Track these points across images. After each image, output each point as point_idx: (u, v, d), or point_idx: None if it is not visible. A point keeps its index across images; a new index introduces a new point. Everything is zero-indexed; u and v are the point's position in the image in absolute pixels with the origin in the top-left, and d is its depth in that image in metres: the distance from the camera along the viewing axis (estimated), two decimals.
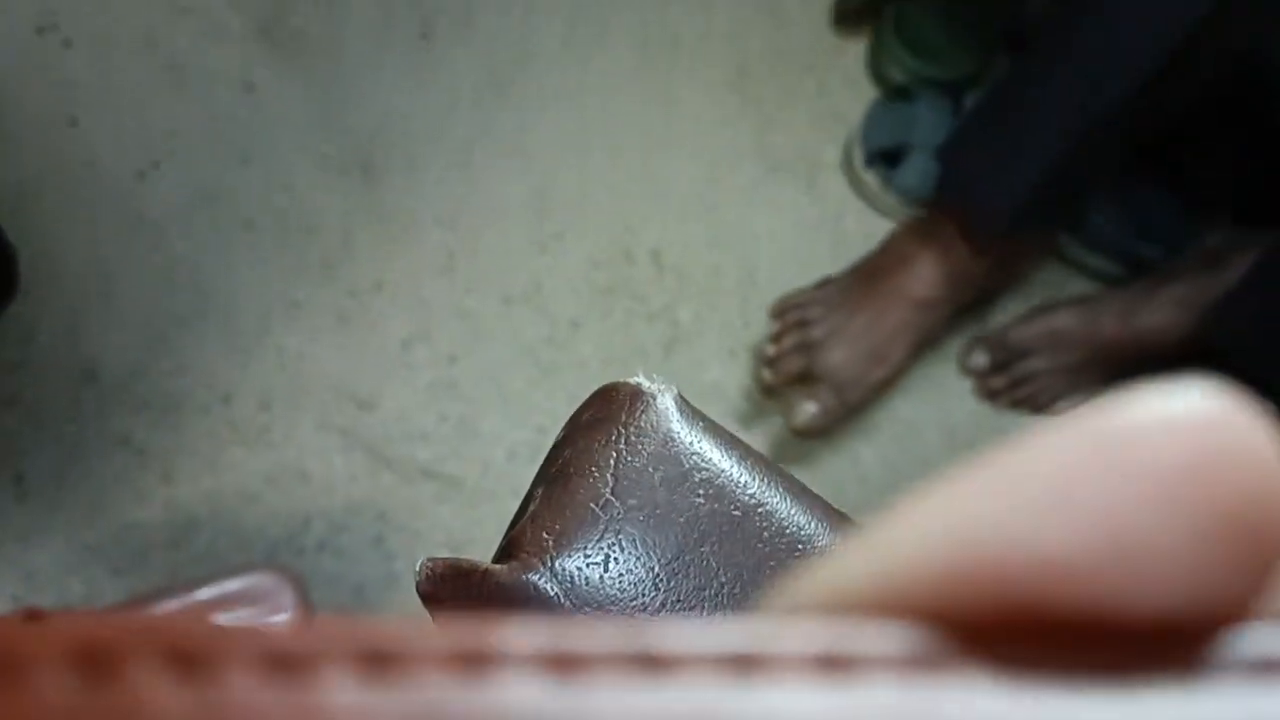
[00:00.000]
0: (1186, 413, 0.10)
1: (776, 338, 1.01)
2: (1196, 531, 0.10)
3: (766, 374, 1.02)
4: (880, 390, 1.04)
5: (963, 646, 0.10)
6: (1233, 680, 0.10)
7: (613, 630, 0.10)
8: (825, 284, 1.04)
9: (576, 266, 1.07)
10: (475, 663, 0.09)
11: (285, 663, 0.09)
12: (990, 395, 1.10)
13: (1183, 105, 0.87)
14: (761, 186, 1.13)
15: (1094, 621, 0.10)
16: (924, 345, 1.04)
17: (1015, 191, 0.90)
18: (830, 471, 1.07)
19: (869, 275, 1.01)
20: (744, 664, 0.10)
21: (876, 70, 1.18)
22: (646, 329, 1.06)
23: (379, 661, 0.09)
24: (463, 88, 1.10)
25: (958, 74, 1.15)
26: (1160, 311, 1.02)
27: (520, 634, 0.09)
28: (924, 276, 0.98)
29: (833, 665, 0.10)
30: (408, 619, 0.10)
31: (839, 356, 0.99)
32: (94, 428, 0.95)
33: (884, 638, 0.10)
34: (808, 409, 0.99)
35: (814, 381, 1.00)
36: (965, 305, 1.05)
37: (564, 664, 0.09)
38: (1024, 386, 1.08)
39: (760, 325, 1.09)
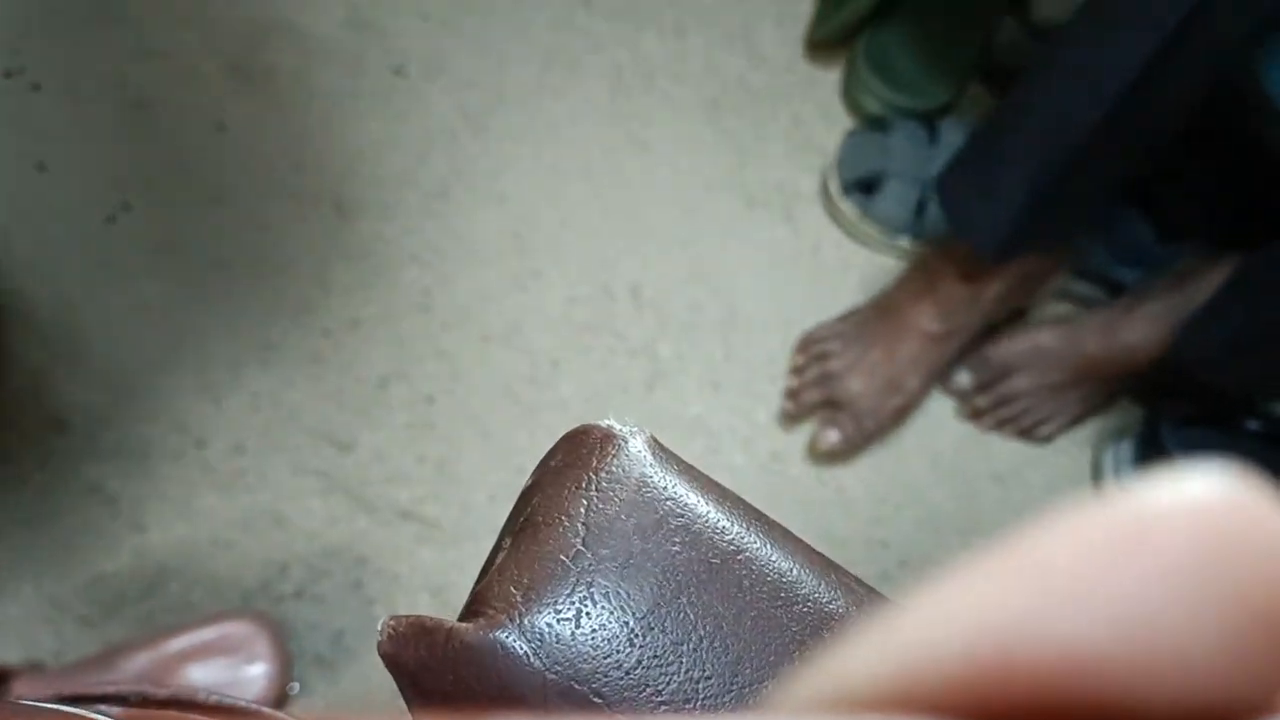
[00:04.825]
0: (1202, 499, 0.10)
1: (799, 370, 1.06)
2: (1218, 620, 0.09)
3: (789, 405, 1.06)
4: (897, 418, 1.07)
5: None
6: None
7: None
8: (845, 317, 1.08)
9: (555, 304, 1.06)
10: None
11: None
12: (974, 415, 1.10)
13: (1159, 129, 0.87)
14: (739, 218, 1.13)
15: (1117, 716, 0.09)
16: (938, 374, 1.08)
17: (1005, 218, 0.92)
18: (817, 503, 1.06)
19: (884, 310, 1.05)
20: None
21: (851, 101, 1.18)
22: (627, 365, 1.05)
23: None
24: (437, 125, 1.09)
25: (932, 103, 1.15)
26: (1139, 329, 1.04)
27: None
28: (932, 311, 1.02)
29: None
30: None
31: (857, 387, 1.04)
32: (64, 476, 0.93)
33: None
34: (830, 436, 1.04)
35: (835, 410, 1.04)
36: (979, 332, 1.06)
37: None
38: (1008, 406, 1.09)
39: (741, 358, 1.08)
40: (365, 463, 0.98)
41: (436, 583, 0.96)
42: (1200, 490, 0.10)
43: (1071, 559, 0.10)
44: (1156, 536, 0.10)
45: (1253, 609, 0.10)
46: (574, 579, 0.26)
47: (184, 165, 1.03)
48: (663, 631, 0.26)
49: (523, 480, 0.33)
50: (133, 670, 0.80)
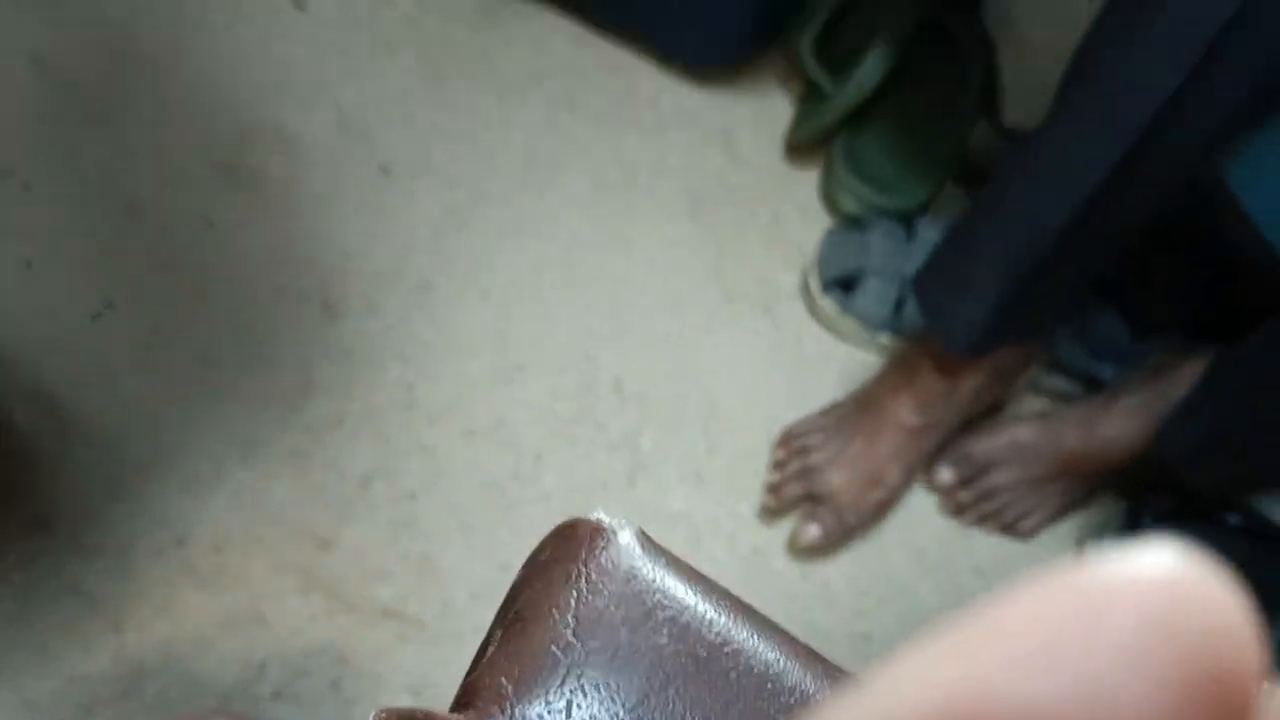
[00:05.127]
0: (1155, 571, 0.11)
1: (780, 464, 1.06)
2: (1172, 685, 0.10)
3: (770, 499, 1.06)
4: (878, 513, 1.07)
5: None
6: None
7: None
8: (826, 412, 1.08)
9: (538, 397, 1.06)
10: None
11: None
12: (957, 510, 1.10)
13: (1127, 228, 0.89)
14: (720, 313, 1.14)
15: None
16: (918, 468, 1.08)
17: (979, 314, 0.94)
18: (800, 597, 1.05)
19: (864, 403, 1.06)
20: None
21: (829, 200, 1.20)
22: (609, 459, 1.06)
23: None
24: (422, 222, 1.10)
25: (908, 203, 1.18)
26: (1117, 423, 1.05)
27: None
28: (911, 404, 1.03)
29: None
30: None
31: (838, 480, 1.04)
32: (44, 576, 0.92)
33: None
34: (811, 531, 1.04)
35: (816, 504, 1.04)
36: (957, 426, 1.07)
37: None
38: (990, 501, 1.09)
39: (723, 452, 1.08)
40: (346, 560, 0.97)
41: (417, 682, 0.94)
42: (1153, 563, 0.11)
43: (1037, 629, 0.11)
44: (1113, 606, 0.11)
45: (1203, 674, 0.10)
46: (564, 670, 0.26)
47: (171, 263, 1.04)
48: None
49: (505, 577, 0.33)
50: None
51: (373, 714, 0.27)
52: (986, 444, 1.09)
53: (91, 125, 1.07)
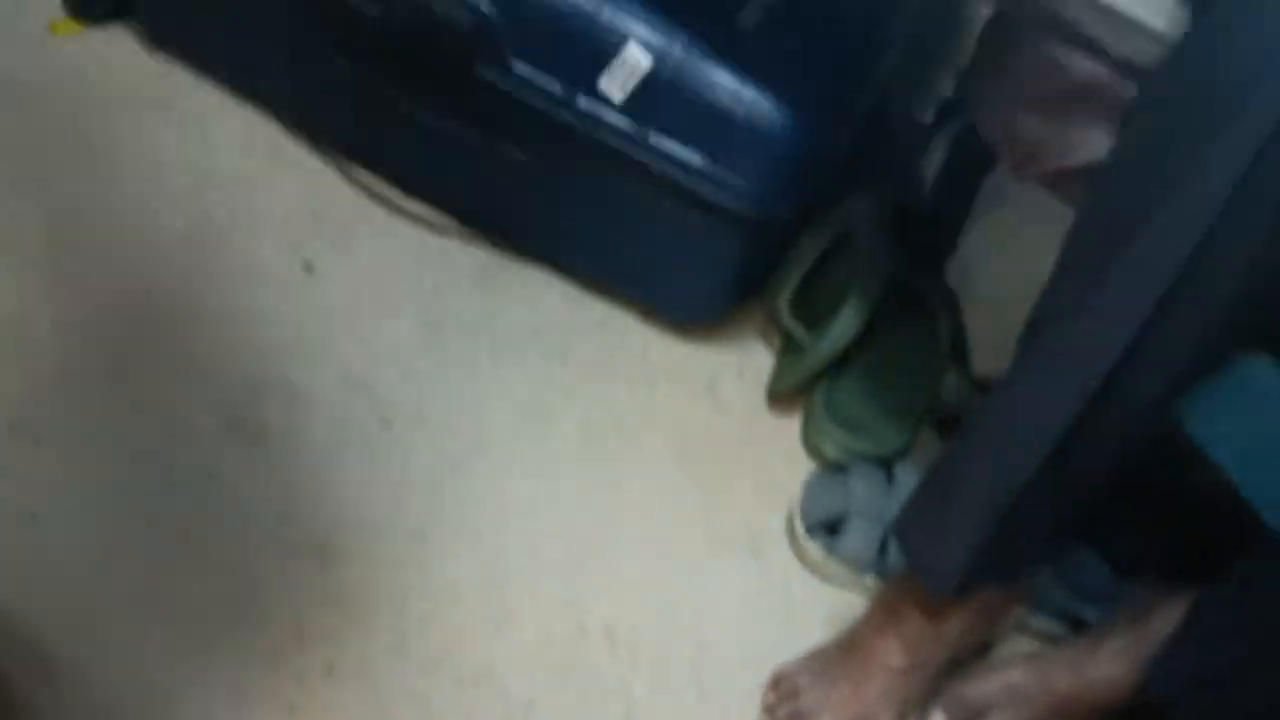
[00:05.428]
0: None
1: (770, 709, 1.06)
2: None
3: None
4: None
5: None
6: None
7: None
8: (814, 655, 1.09)
9: (529, 645, 1.07)
10: None
11: None
12: None
13: (1097, 476, 0.93)
14: (709, 558, 1.17)
15: None
16: (908, 710, 1.07)
17: (958, 557, 0.96)
18: None
19: (849, 647, 1.07)
20: None
21: (811, 446, 1.25)
22: (601, 706, 1.06)
23: None
24: (419, 473, 1.14)
25: (887, 448, 1.22)
26: (1105, 666, 1.06)
27: None
28: (897, 646, 1.04)
29: None
30: None
31: None
32: None
33: None
34: None
35: None
36: (945, 665, 1.07)
37: None
38: None
39: (714, 699, 1.08)
40: None
41: None
42: None
43: None
44: None
45: None
46: None
47: (171, 514, 1.06)
48: None
49: None
50: None
51: None
52: (979, 688, 1.09)
53: (107, 381, 1.12)
